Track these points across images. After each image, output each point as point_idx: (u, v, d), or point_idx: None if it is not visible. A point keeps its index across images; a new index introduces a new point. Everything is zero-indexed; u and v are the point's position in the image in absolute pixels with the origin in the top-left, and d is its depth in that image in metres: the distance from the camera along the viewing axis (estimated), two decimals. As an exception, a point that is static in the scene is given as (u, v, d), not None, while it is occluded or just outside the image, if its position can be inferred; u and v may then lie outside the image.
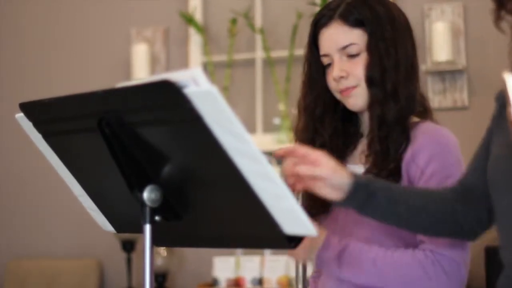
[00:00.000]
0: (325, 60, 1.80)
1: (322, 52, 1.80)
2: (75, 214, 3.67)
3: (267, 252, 3.87)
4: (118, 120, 1.30)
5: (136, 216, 1.33)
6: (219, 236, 1.40)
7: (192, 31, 4.25)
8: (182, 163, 1.32)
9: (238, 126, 1.16)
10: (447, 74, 3.87)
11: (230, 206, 1.31)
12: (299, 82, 1.89)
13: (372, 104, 1.74)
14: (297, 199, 1.57)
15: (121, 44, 4.40)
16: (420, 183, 1.68)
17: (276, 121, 4.11)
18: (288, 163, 1.50)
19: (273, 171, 1.17)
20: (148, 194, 1.31)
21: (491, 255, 3.09)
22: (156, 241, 1.33)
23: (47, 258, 4.39)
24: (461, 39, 3.86)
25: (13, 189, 4.54)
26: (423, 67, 3.81)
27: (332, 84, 1.79)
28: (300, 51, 3.61)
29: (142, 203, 1.31)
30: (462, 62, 3.84)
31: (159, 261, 3.99)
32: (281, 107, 4.07)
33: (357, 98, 1.76)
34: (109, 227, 1.58)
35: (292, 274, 3.63)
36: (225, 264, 3.89)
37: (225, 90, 4.13)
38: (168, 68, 4.32)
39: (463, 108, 3.84)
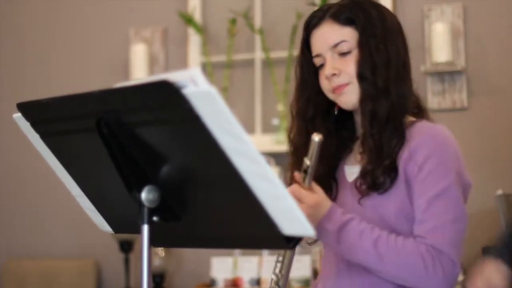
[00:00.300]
0: (317, 61, 1.82)
1: (314, 52, 1.82)
2: (74, 214, 3.66)
3: (265, 252, 3.87)
4: (116, 120, 1.29)
5: (134, 216, 1.32)
6: (217, 236, 1.40)
7: (191, 31, 4.24)
8: (180, 163, 1.32)
9: (236, 126, 1.16)
10: (446, 75, 3.86)
11: (228, 207, 1.31)
12: (298, 83, 1.91)
13: (364, 99, 1.76)
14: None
15: (119, 44, 4.40)
16: (417, 180, 1.70)
17: (275, 121, 4.10)
18: None
19: (272, 172, 1.17)
20: (146, 195, 1.31)
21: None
22: (154, 242, 1.33)
23: (46, 258, 4.39)
24: (460, 40, 3.85)
25: (12, 189, 4.54)
26: (422, 68, 3.81)
27: (325, 83, 1.80)
28: (299, 52, 3.60)
29: (140, 203, 1.31)
30: (461, 63, 3.83)
31: (157, 262, 3.99)
32: (280, 107, 4.06)
33: (349, 96, 1.78)
34: (106, 228, 1.58)
35: (291, 274, 3.63)
36: (223, 265, 3.88)
37: (224, 91, 4.12)
38: (167, 68, 4.31)
39: (462, 109, 3.83)
